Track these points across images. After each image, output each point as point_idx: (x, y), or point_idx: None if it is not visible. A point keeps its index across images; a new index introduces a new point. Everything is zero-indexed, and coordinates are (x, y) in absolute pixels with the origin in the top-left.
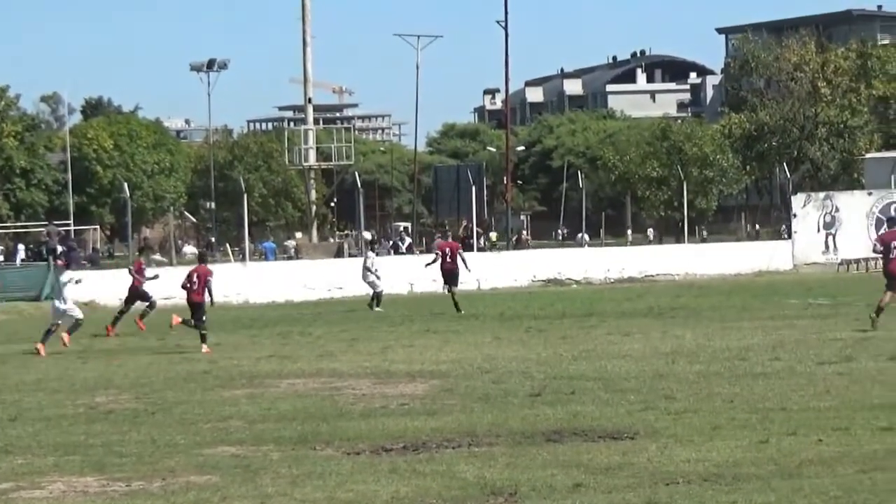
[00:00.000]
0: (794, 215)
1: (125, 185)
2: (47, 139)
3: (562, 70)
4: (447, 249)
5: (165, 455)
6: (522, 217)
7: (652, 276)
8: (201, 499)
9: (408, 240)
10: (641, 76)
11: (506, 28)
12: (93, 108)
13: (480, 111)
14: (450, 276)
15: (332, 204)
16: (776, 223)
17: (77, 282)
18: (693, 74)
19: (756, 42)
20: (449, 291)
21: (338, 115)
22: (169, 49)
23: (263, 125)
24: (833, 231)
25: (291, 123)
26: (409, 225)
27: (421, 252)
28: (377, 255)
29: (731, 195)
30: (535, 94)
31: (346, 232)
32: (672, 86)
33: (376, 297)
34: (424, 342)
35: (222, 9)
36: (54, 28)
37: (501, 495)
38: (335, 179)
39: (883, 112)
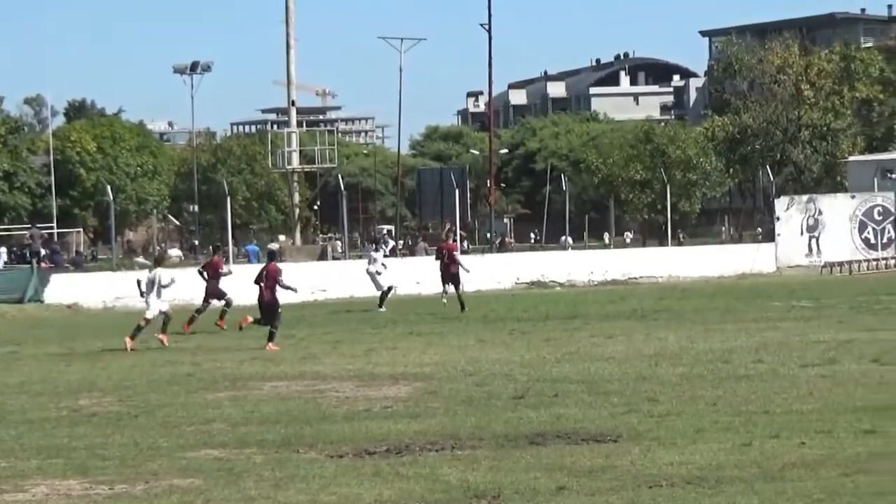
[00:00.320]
0: (778, 218)
1: (108, 187)
2: (30, 142)
3: (545, 72)
4: (445, 251)
5: (148, 458)
6: (506, 220)
7: (635, 278)
8: (184, 502)
9: (391, 243)
10: (625, 79)
11: (489, 31)
12: (76, 111)
13: (464, 114)
14: (452, 277)
15: (316, 207)
16: (759, 226)
17: (172, 281)
18: (676, 77)
19: (739, 45)
20: (452, 292)
21: (321, 117)
22: (152, 51)
23: (247, 128)
24: (816, 234)
25: (275, 126)
26: (392, 228)
27: (404, 255)
28: (378, 251)
29: (715, 198)
30: (518, 97)
31: (329, 235)
32: (655, 88)
33: (382, 295)
34: (408, 345)
35: (206, 11)
36: (38, 30)
37: (484, 498)
38: (318, 182)
39: (866, 115)
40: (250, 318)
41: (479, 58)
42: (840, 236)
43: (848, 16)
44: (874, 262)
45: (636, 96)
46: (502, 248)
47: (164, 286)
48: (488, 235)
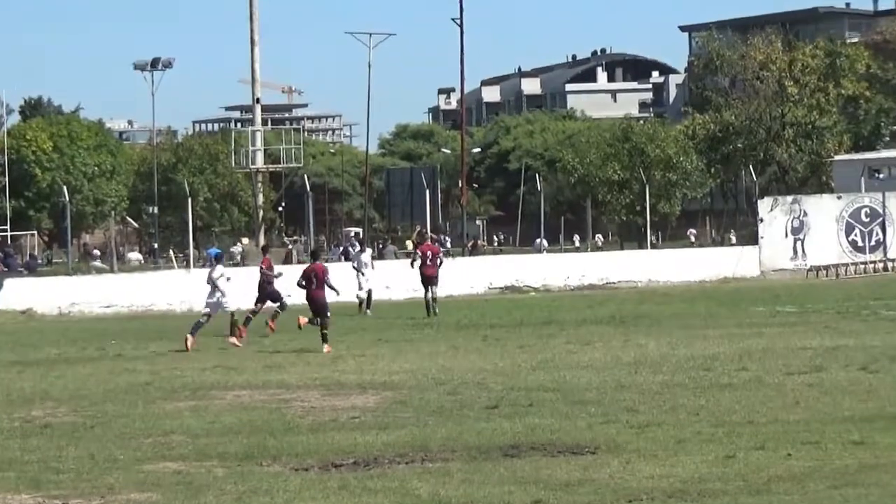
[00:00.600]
0: (761, 220)
1: (64, 188)
2: None
3: (519, 69)
4: (428, 252)
5: (105, 471)
6: (478, 222)
7: (613, 282)
8: None
9: (358, 245)
10: (602, 75)
11: (461, 25)
12: (32, 109)
13: (435, 111)
14: (431, 279)
15: (281, 208)
16: (741, 228)
17: (227, 279)
18: (655, 73)
19: (721, 40)
20: (428, 295)
21: (287, 115)
22: (112, 47)
23: (209, 126)
24: (801, 236)
25: (238, 124)
26: (360, 230)
27: (373, 258)
28: (366, 251)
29: (696, 199)
30: (491, 94)
31: (294, 237)
32: (634, 85)
33: (366, 300)
34: (376, 352)
35: (168, 6)
36: None
37: None
38: (283, 182)
39: (852, 112)
40: (304, 319)
41: (450, 53)
42: (826, 239)
43: (832, 10)
44: (862, 266)
45: (614, 93)
46: (474, 251)
47: (215, 280)
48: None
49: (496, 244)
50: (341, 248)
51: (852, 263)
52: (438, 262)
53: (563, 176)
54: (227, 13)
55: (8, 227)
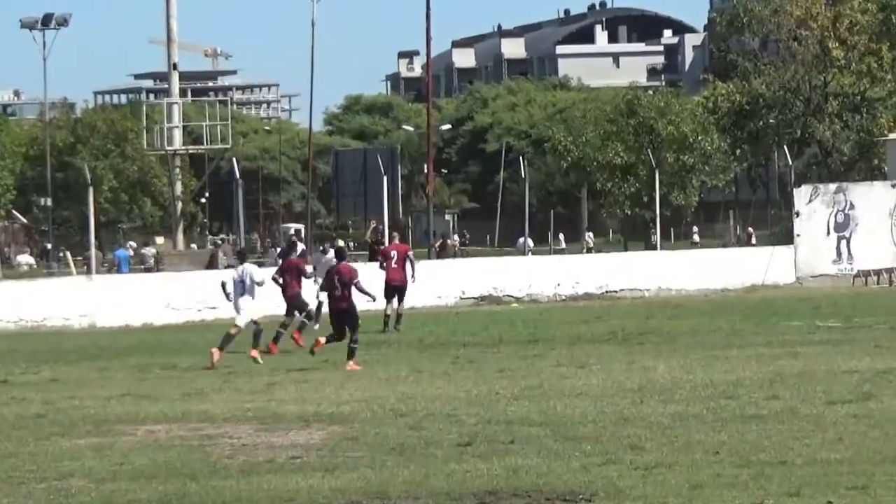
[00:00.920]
0: (797, 213)
1: None
2: None
3: (499, 27)
4: (392, 253)
5: None
6: (448, 216)
7: (615, 291)
8: None
9: (301, 246)
10: (601, 35)
11: None
12: None
13: (394, 80)
14: (396, 289)
15: (203, 200)
16: (774, 223)
17: (262, 281)
18: (668, 32)
19: None
20: (389, 308)
21: (211, 84)
22: None
23: (115, 98)
24: (847, 234)
25: (151, 96)
26: (301, 227)
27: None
28: (328, 253)
29: (717, 188)
30: (464, 58)
31: (220, 236)
32: (641, 47)
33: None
34: (322, 376)
35: None
36: None
37: None
38: (207, 168)
39: None
40: (322, 340)
41: (414, 9)
42: (878, 237)
43: None
44: None
45: (616, 57)
46: (443, 252)
47: (258, 283)
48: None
49: (459, 244)
50: (278, 249)
51: None
52: (408, 264)
53: (554, 159)
54: None
55: None
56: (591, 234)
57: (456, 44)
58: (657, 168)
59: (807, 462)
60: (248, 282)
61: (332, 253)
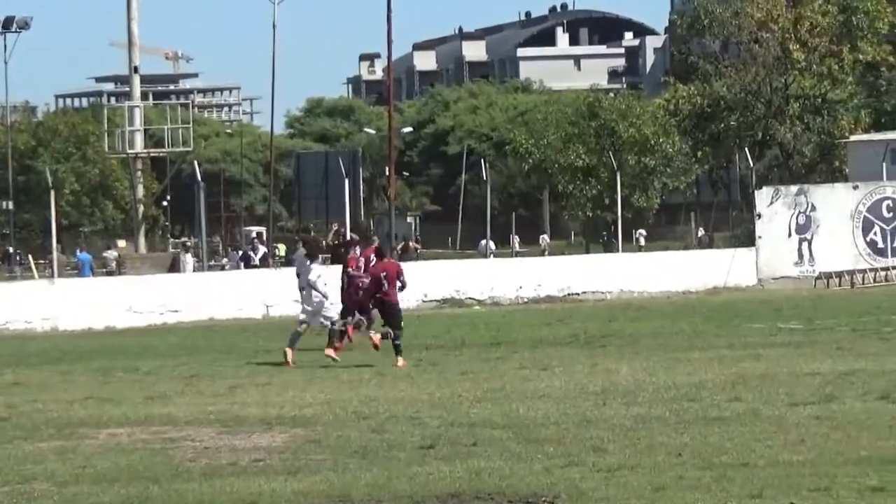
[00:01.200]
0: (759, 215)
1: None
2: None
3: (460, 30)
4: (372, 257)
5: None
6: (410, 219)
7: (577, 294)
8: None
9: (262, 249)
10: (562, 37)
11: None
12: None
13: (355, 83)
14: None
15: (165, 203)
16: (735, 226)
17: (319, 277)
18: (629, 35)
19: None
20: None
21: (172, 87)
22: None
23: (76, 101)
24: (808, 236)
25: (112, 99)
26: (263, 230)
27: (282, 264)
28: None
29: (679, 190)
30: (425, 61)
31: (183, 239)
32: (602, 49)
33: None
34: (284, 379)
35: None
36: None
37: None
38: (169, 171)
39: (872, 82)
40: (378, 336)
41: (375, 11)
42: (839, 239)
43: None
44: (882, 273)
45: (577, 59)
46: (405, 254)
47: (313, 282)
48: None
49: (415, 247)
50: (240, 253)
51: (871, 269)
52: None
53: (515, 162)
54: None
55: None
56: (545, 236)
57: (417, 46)
58: (618, 170)
59: (769, 464)
60: (318, 282)
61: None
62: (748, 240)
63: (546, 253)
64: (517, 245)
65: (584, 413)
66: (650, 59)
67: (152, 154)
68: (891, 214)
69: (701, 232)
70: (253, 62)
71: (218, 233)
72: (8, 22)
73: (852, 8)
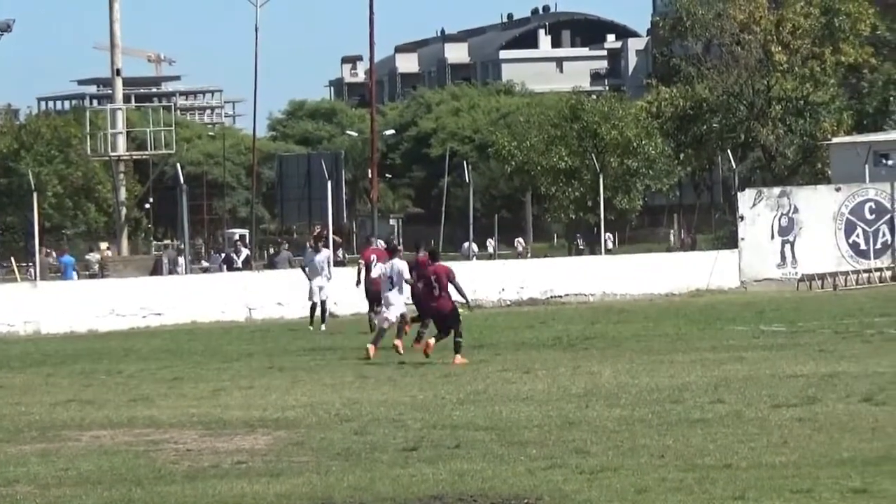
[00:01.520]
0: (741, 217)
1: None
2: None
3: (442, 32)
4: (372, 257)
5: None
6: (393, 221)
7: (559, 296)
8: None
9: (245, 252)
10: (545, 39)
11: None
12: None
13: (338, 85)
14: (378, 294)
15: (148, 205)
16: (718, 228)
17: (408, 282)
18: (611, 37)
19: None
20: (373, 313)
21: (154, 90)
22: None
23: (59, 104)
24: (791, 238)
25: (94, 102)
26: (246, 232)
27: (264, 267)
28: (319, 253)
29: (661, 192)
30: (408, 63)
31: (165, 241)
32: (584, 51)
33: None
34: (267, 382)
35: None
36: None
37: None
38: (151, 173)
39: (854, 84)
40: (432, 341)
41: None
42: (821, 241)
43: None
44: (865, 275)
45: (559, 61)
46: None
47: (407, 281)
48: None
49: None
50: (223, 255)
51: (853, 271)
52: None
53: (498, 164)
54: None
55: None
56: (520, 239)
57: (399, 49)
58: (601, 172)
59: (752, 465)
60: (395, 277)
61: (324, 253)
62: (731, 242)
63: (528, 255)
64: (490, 248)
65: (567, 415)
66: (632, 61)
67: (135, 157)
68: (873, 216)
69: (672, 236)
70: (235, 65)
71: (201, 235)
72: None
73: (834, 10)
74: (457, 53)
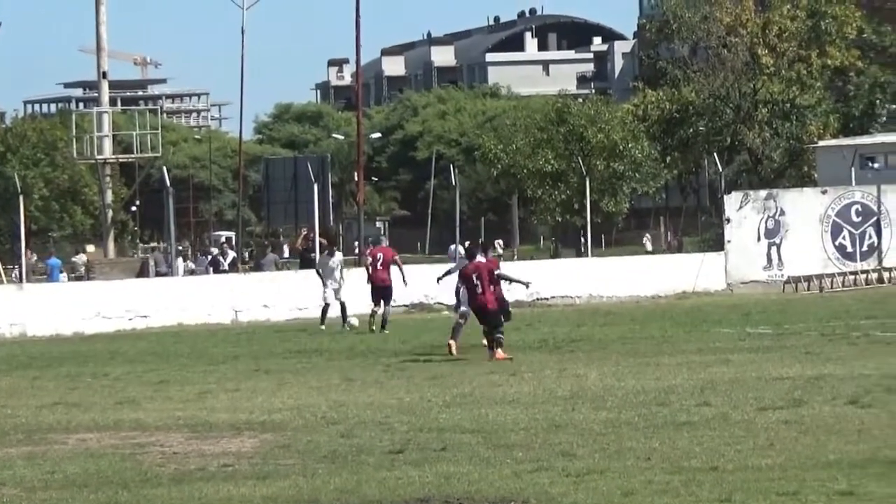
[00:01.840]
0: (728, 220)
1: None
2: None
3: (429, 35)
4: (379, 255)
5: None
6: (379, 224)
7: (545, 299)
8: None
9: (231, 254)
10: (531, 42)
11: None
12: None
13: (324, 88)
14: (382, 291)
15: (134, 208)
16: (704, 230)
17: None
18: (597, 40)
19: None
20: (373, 312)
21: (141, 93)
22: None
23: (45, 107)
24: (777, 240)
25: (81, 105)
26: (232, 235)
27: (251, 269)
28: (334, 255)
29: (648, 195)
30: (394, 66)
31: (152, 244)
32: (570, 54)
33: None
34: (254, 385)
35: None
36: None
37: None
38: (138, 176)
39: (840, 87)
40: (502, 353)
41: (343, 16)
42: (808, 243)
43: None
44: (851, 277)
45: (545, 64)
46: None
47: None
48: (356, 244)
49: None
50: (209, 258)
51: (840, 274)
52: (396, 268)
53: (484, 167)
54: None
55: None
56: (500, 241)
57: (385, 52)
58: (587, 175)
59: (738, 468)
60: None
61: (338, 256)
62: (717, 244)
63: (514, 258)
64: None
65: (553, 418)
66: (619, 64)
67: (121, 160)
68: (859, 219)
69: (647, 240)
70: (222, 68)
71: (187, 238)
72: None
73: (821, 13)
74: (443, 56)
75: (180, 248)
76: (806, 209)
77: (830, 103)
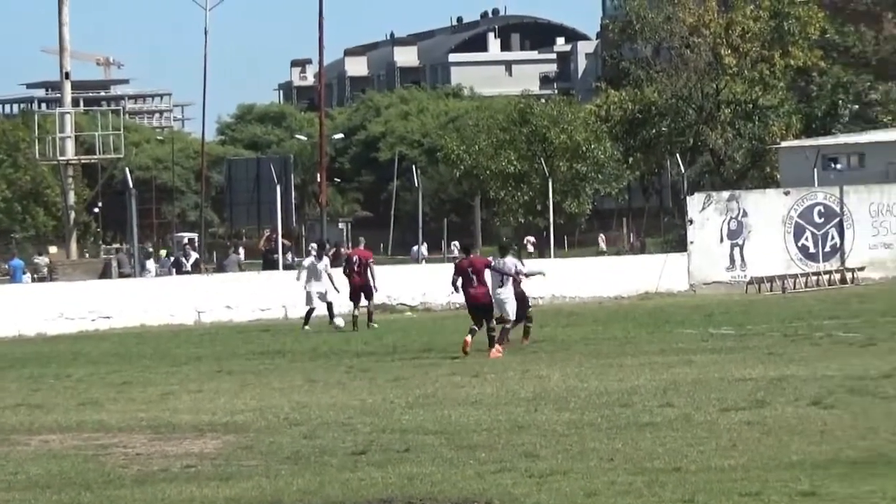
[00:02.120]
0: (691, 221)
1: None
2: None
3: (391, 35)
4: (355, 258)
5: None
6: (342, 225)
7: None
8: None
9: (194, 255)
10: (494, 42)
11: None
12: None
13: (287, 89)
14: (361, 288)
15: (97, 209)
16: (667, 231)
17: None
18: (560, 40)
19: None
20: (357, 309)
21: (103, 94)
22: None
23: (7, 108)
24: (740, 241)
25: (43, 105)
26: (195, 236)
27: (214, 270)
28: (322, 259)
29: (611, 196)
30: (357, 66)
31: (115, 246)
32: (533, 55)
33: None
34: (216, 386)
35: None
36: None
37: None
38: (100, 178)
39: (803, 88)
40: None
41: (306, 17)
42: (770, 244)
43: None
44: (814, 278)
45: (508, 65)
46: (337, 260)
47: (526, 275)
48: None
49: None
50: (172, 259)
51: (802, 274)
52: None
53: (447, 168)
54: None
55: None
56: (456, 243)
57: (348, 52)
58: (550, 176)
59: (701, 469)
60: (503, 275)
61: (326, 261)
62: (680, 245)
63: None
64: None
65: (516, 419)
66: (582, 64)
67: (83, 161)
68: (822, 220)
69: (602, 241)
70: (184, 68)
71: (150, 239)
72: None
73: (783, 13)
74: (406, 57)
75: (150, 249)
76: (768, 210)
77: (793, 104)
